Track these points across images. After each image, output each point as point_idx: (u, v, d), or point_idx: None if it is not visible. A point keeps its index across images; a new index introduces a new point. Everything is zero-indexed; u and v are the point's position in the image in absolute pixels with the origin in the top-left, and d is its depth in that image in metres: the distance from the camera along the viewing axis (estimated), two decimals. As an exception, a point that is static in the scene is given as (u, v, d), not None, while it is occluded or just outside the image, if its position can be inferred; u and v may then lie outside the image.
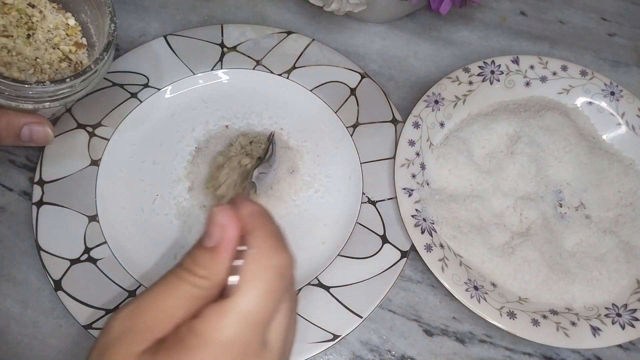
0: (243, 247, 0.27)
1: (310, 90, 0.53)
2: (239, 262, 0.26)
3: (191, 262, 0.27)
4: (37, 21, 0.43)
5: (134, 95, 0.52)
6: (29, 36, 0.42)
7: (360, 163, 0.49)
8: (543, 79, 0.52)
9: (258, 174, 0.44)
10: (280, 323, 0.27)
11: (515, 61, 0.52)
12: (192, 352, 0.24)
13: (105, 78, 0.52)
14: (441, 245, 0.44)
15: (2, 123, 0.39)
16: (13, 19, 0.42)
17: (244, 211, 0.28)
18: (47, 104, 0.39)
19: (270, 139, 0.48)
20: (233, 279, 0.26)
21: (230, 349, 0.25)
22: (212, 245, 0.27)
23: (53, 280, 0.43)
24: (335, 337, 0.41)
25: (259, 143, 0.49)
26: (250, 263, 0.26)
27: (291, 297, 0.29)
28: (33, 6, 0.43)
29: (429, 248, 0.44)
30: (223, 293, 0.26)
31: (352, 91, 0.52)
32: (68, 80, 0.38)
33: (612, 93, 0.51)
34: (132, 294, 0.43)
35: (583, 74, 0.52)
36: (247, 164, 0.46)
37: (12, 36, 0.42)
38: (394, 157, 0.48)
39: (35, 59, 0.42)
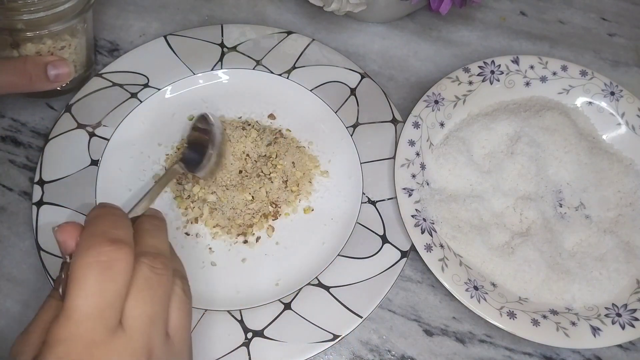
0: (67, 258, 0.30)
1: (310, 90, 0.53)
2: (62, 275, 0.29)
3: (56, 281, 0.31)
4: None
5: (134, 95, 0.52)
6: None
7: (360, 163, 0.49)
8: (543, 79, 0.52)
9: (183, 160, 0.45)
10: (135, 307, 0.29)
11: (515, 61, 0.52)
12: (46, 356, 0.27)
13: (105, 78, 0.52)
14: (441, 245, 0.44)
15: (29, 67, 0.44)
16: None
17: (86, 218, 0.31)
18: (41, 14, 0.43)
19: (199, 121, 0.48)
20: (61, 290, 0.29)
21: (72, 345, 0.27)
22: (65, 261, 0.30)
23: (53, 280, 0.43)
24: (335, 337, 0.41)
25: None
26: (70, 268, 0.28)
27: (179, 289, 0.31)
28: None
29: (429, 248, 0.44)
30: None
31: (352, 91, 0.52)
32: None
33: (612, 93, 0.51)
34: (132, 294, 0.43)
35: (583, 74, 0.52)
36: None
37: None
38: (394, 157, 0.48)
39: None
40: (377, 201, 0.48)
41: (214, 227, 0.47)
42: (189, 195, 0.47)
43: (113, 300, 0.28)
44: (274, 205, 0.47)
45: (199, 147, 0.46)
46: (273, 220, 0.47)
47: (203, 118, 0.48)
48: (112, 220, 0.31)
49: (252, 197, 0.47)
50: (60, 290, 0.29)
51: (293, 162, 0.49)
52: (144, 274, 0.30)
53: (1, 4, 0.42)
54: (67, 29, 0.46)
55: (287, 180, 0.48)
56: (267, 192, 0.47)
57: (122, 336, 0.28)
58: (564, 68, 0.52)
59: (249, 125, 0.51)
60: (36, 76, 0.44)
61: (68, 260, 0.30)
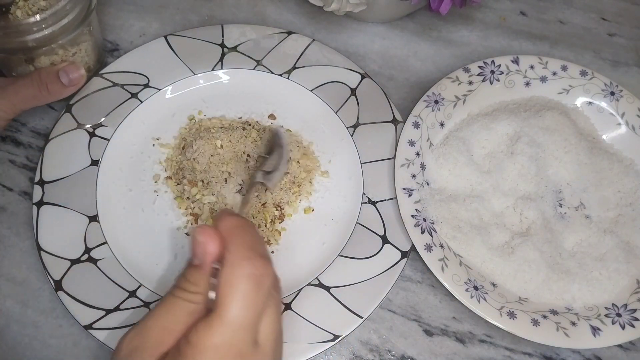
0: (216, 265, 0.30)
1: (311, 91, 0.53)
2: (214, 280, 0.29)
3: (183, 281, 0.30)
4: None
5: (134, 95, 0.52)
6: None
7: (361, 163, 0.49)
8: (543, 79, 0.52)
9: (263, 174, 0.44)
10: (268, 325, 0.30)
11: (515, 61, 0.52)
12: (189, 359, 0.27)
13: (105, 78, 0.52)
14: (441, 245, 0.44)
15: (43, 77, 0.45)
16: None
17: (222, 226, 0.31)
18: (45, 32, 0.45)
19: (272, 135, 0.48)
20: (211, 295, 0.29)
21: (222, 353, 0.27)
22: (198, 263, 0.30)
23: (53, 280, 0.43)
24: (336, 337, 0.41)
25: (259, 141, 0.49)
26: (224, 276, 0.29)
27: (275, 302, 0.31)
28: None
29: (429, 248, 0.44)
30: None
31: (353, 91, 0.52)
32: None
33: (612, 93, 0.51)
34: (132, 294, 0.43)
35: (583, 74, 0.52)
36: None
37: None
38: (394, 157, 0.48)
39: None
40: (378, 201, 0.48)
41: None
42: (188, 197, 0.47)
43: (260, 315, 0.29)
44: (278, 208, 0.47)
45: (273, 157, 0.46)
46: (280, 222, 0.47)
47: (276, 132, 0.47)
48: (255, 235, 0.32)
49: (261, 201, 0.47)
50: (212, 294, 0.29)
51: (299, 162, 0.49)
52: (273, 293, 0.31)
53: (9, 28, 0.43)
54: (75, 36, 0.47)
55: (294, 182, 0.48)
56: (271, 193, 0.47)
57: (260, 352, 0.29)
58: (564, 68, 0.52)
59: (249, 125, 0.51)
60: (52, 85, 0.46)
61: (208, 261, 0.30)
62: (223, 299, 0.28)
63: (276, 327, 0.31)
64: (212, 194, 0.47)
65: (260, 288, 0.29)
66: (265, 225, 0.46)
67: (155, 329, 0.29)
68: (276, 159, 0.46)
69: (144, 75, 0.52)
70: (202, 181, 0.47)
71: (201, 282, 0.30)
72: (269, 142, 0.48)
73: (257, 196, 0.47)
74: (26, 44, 0.45)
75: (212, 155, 0.48)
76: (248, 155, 0.49)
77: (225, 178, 0.47)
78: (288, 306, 0.43)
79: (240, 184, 0.47)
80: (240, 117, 0.52)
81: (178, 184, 0.48)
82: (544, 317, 0.42)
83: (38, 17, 0.44)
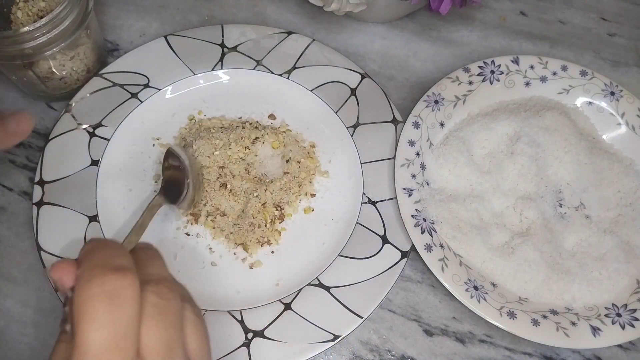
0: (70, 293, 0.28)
1: (311, 91, 0.53)
2: (66, 309, 0.28)
3: (61, 322, 0.29)
4: None
5: (134, 95, 0.52)
6: None
7: (361, 163, 0.49)
8: (543, 79, 0.52)
9: (164, 198, 0.44)
10: (150, 336, 0.27)
11: (515, 61, 0.52)
12: None
13: (105, 78, 0.52)
14: (441, 245, 0.44)
15: None
16: None
17: (79, 255, 0.29)
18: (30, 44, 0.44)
19: (165, 157, 0.47)
20: (68, 327, 0.27)
21: None
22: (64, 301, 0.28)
23: (54, 280, 0.43)
24: (336, 337, 0.41)
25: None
26: (73, 304, 0.26)
27: (159, 310, 0.29)
28: None
29: (429, 248, 0.44)
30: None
31: (353, 91, 0.52)
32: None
33: (612, 93, 0.51)
34: (132, 294, 0.43)
35: (583, 74, 0.52)
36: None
37: None
38: (394, 157, 0.48)
39: None
40: (378, 201, 0.48)
41: (213, 228, 0.47)
42: None
43: (126, 329, 0.26)
44: (278, 208, 0.47)
45: (175, 181, 0.45)
46: (280, 222, 0.47)
47: (170, 154, 0.46)
48: (110, 250, 0.29)
49: (260, 201, 0.47)
50: (67, 327, 0.27)
51: (299, 162, 0.49)
52: (151, 301, 0.28)
53: (7, 37, 0.43)
54: (72, 40, 0.47)
55: (294, 182, 0.48)
56: (271, 193, 0.47)
57: None
58: (564, 68, 0.52)
59: (249, 125, 0.51)
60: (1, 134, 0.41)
61: (69, 294, 0.28)
62: (76, 328, 0.26)
63: (162, 334, 0.28)
64: (207, 199, 0.47)
65: (116, 303, 0.26)
66: (265, 225, 0.46)
67: None
68: (180, 180, 0.45)
69: (144, 75, 0.52)
70: (197, 185, 0.47)
71: (69, 318, 0.28)
72: (167, 165, 0.47)
73: (256, 196, 0.47)
74: (23, 51, 0.45)
75: (208, 157, 0.48)
76: (248, 164, 0.49)
77: (220, 184, 0.47)
78: (288, 306, 0.43)
79: (232, 190, 0.47)
80: (240, 117, 0.52)
81: None
82: (544, 317, 0.42)
83: (33, 27, 0.43)
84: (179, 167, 0.45)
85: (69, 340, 0.27)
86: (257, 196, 0.47)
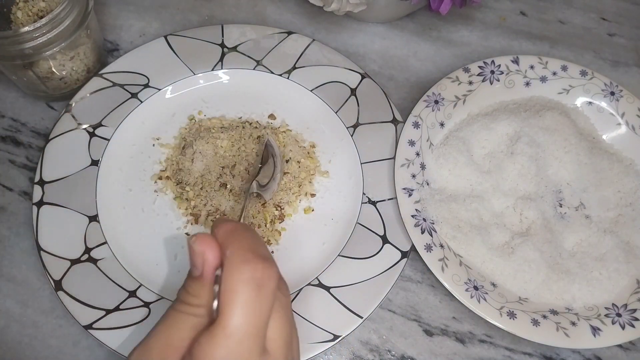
0: (218, 271, 0.28)
1: (311, 91, 0.53)
2: (217, 288, 0.28)
3: (185, 294, 0.29)
4: None
5: (134, 95, 0.52)
6: None
7: (361, 163, 0.49)
8: (543, 79, 0.52)
9: (258, 185, 0.45)
10: (276, 330, 0.29)
11: (515, 61, 0.52)
12: None
13: (105, 78, 0.52)
14: (441, 245, 0.44)
15: None
16: None
17: (219, 232, 0.29)
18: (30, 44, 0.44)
19: (265, 145, 0.48)
20: (215, 304, 0.28)
21: None
22: (198, 274, 0.29)
23: (53, 280, 0.43)
24: (336, 337, 0.41)
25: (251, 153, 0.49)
26: (223, 283, 0.27)
27: (282, 305, 0.30)
28: None
29: (429, 248, 0.44)
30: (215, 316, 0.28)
31: (353, 91, 0.52)
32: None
33: (612, 93, 0.51)
34: (132, 294, 0.43)
35: (583, 74, 0.52)
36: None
37: None
38: (394, 157, 0.48)
39: None
40: (378, 201, 0.48)
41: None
42: (187, 198, 0.47)
43: (266, 320, 0.28)
44: (278, 208, 0.47)
45: (266, 170, 0.46)
46: (280, 222, 0.47)
47: (268, 142, 0.48)
48: (254, 236, 0.30)
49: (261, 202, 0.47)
50: (215, 304, 0.28)
51: (299, 162, 0.49)
52: (278, 294, 0.29)
53: (7, 37, 0.43)
54: (72, 40, 0.47)
55: (294, 182, 0.48)
56: (264, 206, 0.47)
57: (269, 359, 0.28)
58: (564, 68, 0.52)
59: (249, 125, 0.51)
60: None
61: (217, 273, 0.28)
62: (224, 308, 0.27)
63: (285, 331, 0.29)
64: (207, 199, 0.47)
65: (262, 292, 0.27)
66: (265, 225, 0.46)
67: (158, 347, 0.28)
68: (270, 169, 0.46)
69: (144, 75, 0.52)
70: (196, 185, 0.47)
71: (203, 293, 0.29)
72: (263, 153, 0.48)
73: (256, 196, 0.47)
74: (23, 51, 0.45)
75: (208, 157, 0.48)
76: (248, 163, 0.49)
77: (220, 184, 0.47)
78: (288, 306, 0.43)
79: (233, 190, 0.47)
80: (240, 117, 0.52)
81: (177, 184, 0.48)
82: (544, 317, 0.42)
83: (33, 27, 0.43)
84: (269, 159, 0.46)
85: (202, 315, 0.28)
86: (256, 196, 0.47)
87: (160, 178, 0.49)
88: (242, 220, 0.39)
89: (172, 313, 0.29)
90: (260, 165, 0.47)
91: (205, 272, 0.29)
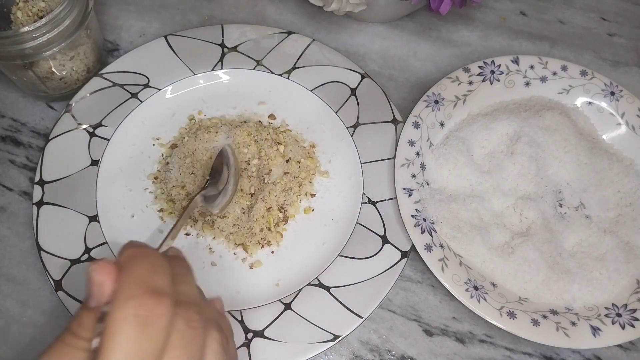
0: (106, 307, 0.26)
1: (311, 91, 0.53)
2: (100, 326, 0.26)
3: (75, 325, 0.27)
4: None
5: (134, 95, 0.52)
6: None
7: (361, 163, 0.49)
8: (543, 79, 0.52)
9: (203, 198, 0.44)
10: None
11: (515, 61, 0.52)
12: None
13: (105, 78, 0.52)
14: (441, 245, 0.44)
15: None
16: None
17: (121, 260, 0.27)
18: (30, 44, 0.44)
19: (219, 154, 0.47)
20: (95, 343, 0.26)
21: None
22: (94, 305, 0.27)
23: (53, 280, 0.43)
24: (336, 337, 0.41)
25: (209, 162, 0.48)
26: (107, 321, 0.25)
27: (217, 341, 0.28)
28: None
29: (429, 248, 0.44)
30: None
31: (353, 91, 0.52)
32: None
33: (612, 93, 0.51)
34: (132, 294, 0.43)
35: (583, 74, 0.52)
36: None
37: None
38: (394, 157, 0.48)
39: None
40: (378, 201, 0.48)
41: (213, 228, 0.47)
42: (171, 199, 0.47)
43: (157, 358, 0.25)
44: (282, 211, 0.47)
45: (217, 182, 0.45)
46: (284, 224, 0.47)
47: (224, 152, 0.46)
48: (151, 265, 0.27)
49: (266, 205, 0.47)
50: (95, 343, 0.26)
51: (299, 162, 0.49)
52: (179, 328, 0.26)
53: (7, 37, 0.43)
54: (72, 40, 0.47)
55: (294, 182, 0.48)
56: (275, 196, 0.47)
57: None
58: (564, 68, 0.52)
59: (249, 125, 0.51)
60: None
61: (105, 309, 0.26)
62: (103, 348, 0.24)
63: None
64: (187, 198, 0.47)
65: (148, 331, 0.25)
66: (269, 229, 0.46)
67: None
68: (223, 181, 0.45)
69: (144, 75, 0.52)
70: (177, 186, 0.47)
71: (94, 327, 0.26)
72: (214, 162, 0.46)
73: (262, 199, 0.47)
74: (23, 51, 0.45)
75: (186, 159, 0.48)
76: (247, 162, 0.49)
77: (199, 184, 0.47)
78: (288, 306, 0.43)
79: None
80: (240, 117, 0.52)
81: (159, 182, 0.49)
82: (544, 317, 0.42)
83: (33, 27, 0.43)
84: (222, 170, 0.45)
85: (85, 350, 0.26)
86: (262, 199, 0.47)
87: (156, 178, 0.49)
88: (166, 241, 0.36)
89: (58, 345, 0.26)
90: (207, 178, 0.46)
91: (100, 304, 0.26)
